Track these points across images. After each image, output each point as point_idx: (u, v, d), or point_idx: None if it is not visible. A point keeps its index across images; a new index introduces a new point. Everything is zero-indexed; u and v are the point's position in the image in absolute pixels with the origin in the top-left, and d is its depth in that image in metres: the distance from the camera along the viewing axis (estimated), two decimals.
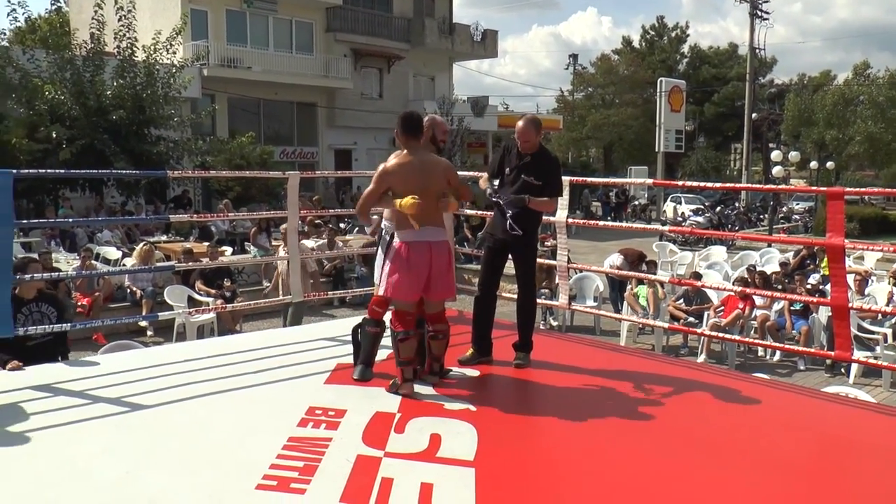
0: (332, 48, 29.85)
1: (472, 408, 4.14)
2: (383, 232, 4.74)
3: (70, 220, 15.46)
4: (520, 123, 4.96)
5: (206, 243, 14.13)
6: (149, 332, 10.94)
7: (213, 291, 10.89)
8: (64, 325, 5.44)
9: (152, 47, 18.75)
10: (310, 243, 14.68)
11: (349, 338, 5.27)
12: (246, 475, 3.22)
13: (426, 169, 4.42)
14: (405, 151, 4.46)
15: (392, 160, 4.46)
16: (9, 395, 4.25)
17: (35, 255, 10.73)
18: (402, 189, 4.30)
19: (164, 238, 15.69)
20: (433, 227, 4.41)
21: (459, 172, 7.80)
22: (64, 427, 3.79)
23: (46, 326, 5.28)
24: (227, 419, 3.94)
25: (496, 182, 5.15)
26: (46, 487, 3.14)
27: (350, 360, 4.94)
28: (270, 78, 27.16)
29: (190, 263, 10.07)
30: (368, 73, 32.04)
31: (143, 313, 10.63)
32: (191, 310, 9.67)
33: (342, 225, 18.59)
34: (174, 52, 19.25)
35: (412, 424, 3.87)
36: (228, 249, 14.86)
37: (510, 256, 5.15)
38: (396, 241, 4.39)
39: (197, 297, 10.69)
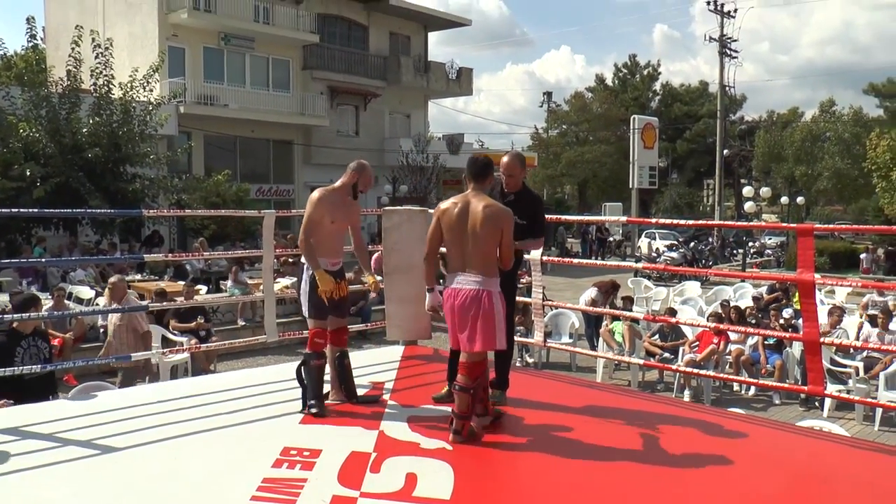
0: (308, 86, 30.03)
1: (448, 447, 4.13)
2: (304, 266, 4.90)
3: (43, 259, 15.29)
4: (505, 159, 4.96)
5: (182, 282, 14.03)
6: (119, 374, 10.79)
7: (191, 325, 10.78)
8: (39, 365, 5.37)
9: (129, 84, 18.72)
10: (285, 281, 14.64)
11: (325, 377, 5.25)
12: None
13: (477, 214, 4.27)
14: (469, 191, 4.44)
15: (446, 202, 4.46)
16: None
17: (36, 293, 10.54)
18: (448, 230, 4.34)
19: (138, 277, 15.56)
20: (467, 275, 4.28)
21: (433, 211, 7.83)
22: (34, 469, 3.73)
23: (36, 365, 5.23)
24: (201, 460, 3.89)
25: None
26: None
27: (326, 399, 4.94)
28: (247, 115, 27.24)
29: (164, 303, 9.97)
30: (345, 110, 32.23)
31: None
32: (164, 350, 9.55)
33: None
34: (151, 90, 19.24)
35: (388, 464, 3.84)
36: (203, 288, 14.76)
37: None
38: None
39: (171, 336, 10.58)
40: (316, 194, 4.86)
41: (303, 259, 4.91)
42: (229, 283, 14.63)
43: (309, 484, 3.57)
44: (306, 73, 30.15)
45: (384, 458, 3.93)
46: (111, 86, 18.65)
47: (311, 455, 3.95)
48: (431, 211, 8.16)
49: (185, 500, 3.40)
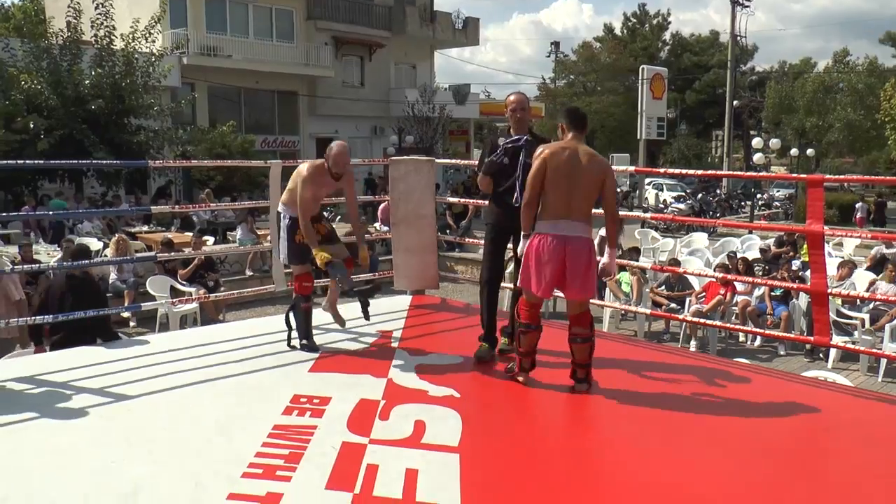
0: (312, 36, 29.67)
1: (456, 394, 4.17)
2: (280, 215, 5.07)
3: (50, 212, 15.31)
4: (513, 96, 4.89)
5: (189, 233, 14.06)
6: (131, 323, 10.89)
7: (196, 261, 10.79)
8: (46, 317, 5.40)
9: (131, 36, 18.53)
10: None
11: (333, 326, 5.31)
12: (231, 463, 3.23)
13: (582, 161, 4.16)
14: (568, 138, 4.26)
15: (552, 145, 4.25)
16: None
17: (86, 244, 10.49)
18: (553, 176, 4.13)
19: (145, 228, 15.59)
20: (572, 223, 4.14)
21: (441, 160, 7.75)
22: (48, 417, 3.78)
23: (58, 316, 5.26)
24: (212, 408, 3.94)
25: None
26: (32, 477, 3.14)
27: (334, 346, 5.01)
28: (251, 66, 26.98)
29: (171, 254, 10.01)
30: (350, 61, 31.88)
31: (126, 304, 10.57)
32: (173, 300, 9.62)
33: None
34: (153, 41, 19.03)
35: (397, 411, 3.88)
36: (210, 239, 14.80)
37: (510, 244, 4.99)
38: (534, 232, 4.20)
39: (179, 287, 10.64)
40: (304, 171, 4.94)
41: (279, 209, 5.14)
42: (238, 233, 14.65)
43: (319, 431, 3.61)
44: (310, 23, 29.76)
45: (393, 405, 3.97)
46: (112, 37, 18.46)
47: (321, 403, 3.99)
48: (439, 161, 8.15)
49: (198, 448, 3.44)
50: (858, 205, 27.95)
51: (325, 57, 29.57)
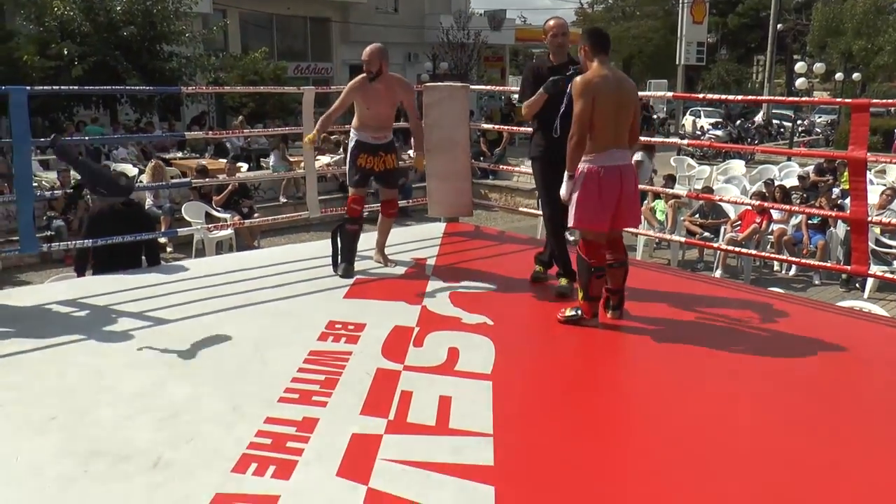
0: None
1: (490, 321, 4.19)
2: (352, 134, 5.21)
3: (86, 138, 15.42)
4: (552, 20, 4.77)
5: (223, 160, 14.11)
6: (168, 249, 11.05)
7: (231, 187, 10.88)
8: (85, 241, 5.48)
9: None
10: (326, 158, 14.66)
11: (367, 253, 5.34)
12: (268, 387, 3.30)
13: (622, 86, 4.07)
14: (597, 64, 4.06)
15: (592, 75, 4.02)
16: (36, 308, 4.35)
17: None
18: (601, 108, 3.95)
19: (179, 155, 15.68)
20: (621, 151, 4.08)
21: (475, 87, 7.64)
22: (89, 340, 3.88)
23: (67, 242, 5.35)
24: (248, 334, 4.00)
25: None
26: (75, 397, 3.24)
27: (369, 273, 5.08)
28: None
29: (206, 180, 10.07)
30: None
31: (162, 230, 10.71)
32: (209, 226, 9.73)
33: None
34: None
35: (430, 338, 3.92)
36: (244, 166, 14.85)
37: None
38: (585, 167, 4.03)
39: (215, 213, 10.74)
40: (352, 82, 5.17)
41: (351, 133, 5.27)
42: (271, 160, 14.68)
43: (354, 357, 3.67)
44: None
45: (427, 332, 4.01)
46: None
47: (356, 329, 4.04)
48: (473, 87, 8.02)
49: (235, 372, 3.51)
50: None
51: None
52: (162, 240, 10.84)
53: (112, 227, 5.26)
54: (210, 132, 16.09)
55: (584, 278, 4.11)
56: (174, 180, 11.74)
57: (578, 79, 4.02)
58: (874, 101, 5.20)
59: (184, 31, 18.94)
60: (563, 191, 4.11)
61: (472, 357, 3.68)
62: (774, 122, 33.16)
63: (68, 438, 2.87)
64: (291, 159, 14.26)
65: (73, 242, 5.40)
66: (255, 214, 11.05)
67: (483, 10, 35.11)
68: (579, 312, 4.16)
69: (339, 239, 5.18)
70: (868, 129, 4.91)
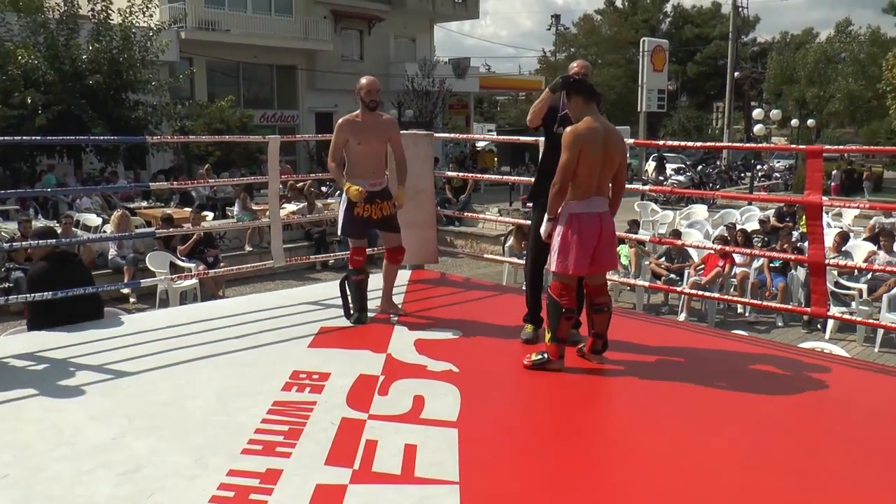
0: (311, 10, 29.42)
1: (455, 369, 4.18)
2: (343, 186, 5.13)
3: (48, 189, 15.28)
4: (580, 61, 4.77)
5: (188, 209, 14.06)
6: (131, 300, 10.93)
7: (195, 236, 10.80)
8: (45, 293, 5.39)
9: (128, 10, 18.41)
10: (291, 206, 14.67)
11: (332, 301, 5.34)
12: (231, 439, 3.26)
13: (610, 138, 4.15)
14: (588, 115, 4.14)
15: (582, 127, 4.08)
16: None
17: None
18: (586, 157, 4.05)
19: (144, 204, 15.59)
20: (601, 198, 4.19)
21: (439, 135, 7.72)
22: (49, 395, 3.80)
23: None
24: (212, 384, 3.95)
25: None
26: (30, 453, 3.16)
27: (333, 322, 5.05)
28: (249, 41, 26.76)
29: (171, 230, 10.01)
30: (349, 35, 31.64)
31: (125, 280, 10.59)
32: (173, 276, 9.65)
33: (323, 188, 18.52)
34: (150, 15, 18.92)
35: (396, 387, 3.91)
36: (210, 215, 14.80)
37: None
38: (567, 212, 4.14)
39: (179, 263, 10.66)
40: (338, 122, 5.14)
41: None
42: (236, 209, 14.65)
43: (318, 407, 3.64)
44: None
45: (392, 380, 3.99)
46: (109, 11, 18.34)
47: (321, 378, 4.02)
48: (437, 135, 8.12)
49: (198, 424, 3.46)
50: (834, 172, 28.28)
51: (323, 31, 29.35)
52: (125, 290, 10.76)
53: (53, 281, 5.13)
54: (174, 181, 16.02)
55: (555, 320, 4.17)
56: (138, 230, 11.65)
57: (568, 130, 4.11)
58: (827, 147, 5.34)
59: (150, 79, 18.98)
60: (542, 230, 4.27)
61: (437, 405, 3.67)
62: (735, 166, 33.83)
63: (23, 497, 2.80)
64: (256, 208, 14.24)
65: (31, 295, 5.28)
66: (221, 264, 10.99)
67: (448, 57, 35.65)
68: (545, 356, 4.20)
69: (347, 289, 5.18)
70: (822, 174, 5.04)
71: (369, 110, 5.08)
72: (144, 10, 18.49)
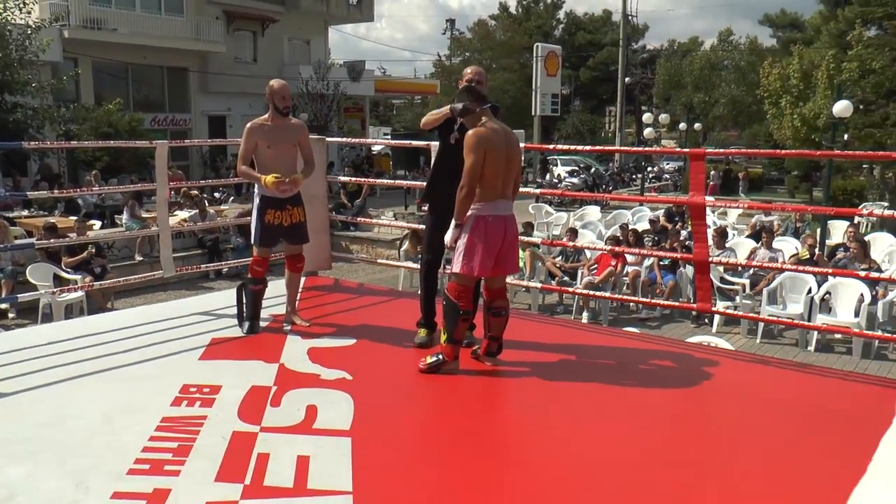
0: (202, 10, 28.72)
1: (349, 377, 4.16)
2: (256, 191, 5.02)
3: None
4: (474, 67, 4.76)
5: (73, 217, 13.49)
6: (10, 315, 10.40)
7: (83, 256, 10.39)
8: None
9: (2, 6, 17.52)
10: (183, 214, 14.28)
11: (224, 312, 5.22)
12: (116, 460, 3.14)
13: (510, 139, 4.21)
14: (486, 118, 4.17)
15: (484, 129, 4.10)
16: None
17: None
18: (491, 160, 4.05)
19: (24, 213, 14.86)
20: (506, 201, 4.23)
21: (332, 139, 7.64)
22: None
23: None
24: (97, 402, 3.79)
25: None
26: None
27: (225, 333, 4.93)
28: (138, 41, 25.88)
29: (53, 240, 9.57)
30: (242, 36, 31.06)
31: (2, 295, 10.07)
32: (57, 289, 9.23)
33: (217, 195, 18.11)
34: (28, 12, 18.06)
35: (288, 397, 3.85)
36: (97, 223, 14.25)
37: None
38: (474, 215, 4.12)
39: (64, 275, 10.21)
40: (247, 126, 5.04)
41: (256, 189, 5.10)
42: (125, 217, 14.15)
43: (209, 421, 3.55)
44: None
45: (284, 391, 3.93)
46: None
47: (211, 391, 3.92)
48: (330, 139, 8.06)
49: (80, 445, 3.32)
50: (713, 173, 30.08)
51: (216, 31, 28.71)
52: (2, 306, 10.22)
53: None
54: (57, 189, 15.36)
55: (452, 321, 4.19)
56: (17, 241, 11.10)
57: (472, 132, 4.11)
58: (709, 150, 5.59)
59: (30, 80, 18.13)
60: (448, 237, 4.23)
61: (330, 414, 3.63)
62: (627, 168, 34.90)
63: None
64: (146, 216, 13.80)
65: None
66: (109, 274, 10.59)
67: (342, 61, 35.46)
68: (441, 357, 4.22)
69: (243, 297, 5.06)
70: (705, 176, 5.25)
71: (282, 115, 5.01)
72: (21, 6, 17.63)
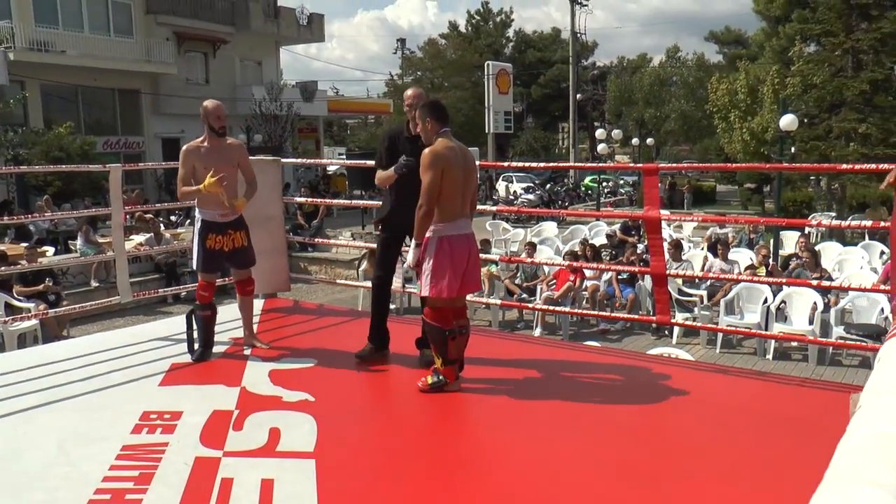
0: (153, 31, 28.50)
1: (311, 398, 4.13)
2: (197, 215, 4.96)
3: None
4: (410, 90, 4.78)
5: (24, 244, 13.22)
6: None
7: (38, 288, 10.19)
8: None
9: None
10: (139, 238, 14.08)
11: (184, 336, 5.15)
12: (76, 491, 3.07)
13: (466, 157, 4.23)
14: (442, 137, 4.17)
15: (440, 147, 4.10)
16: None
17: None
18: (449, 178, 4.06)
19: None
20: (466, 219, 4.22)
21: (287, 160, 7.61)
22: None
23: None
24: (53, 433, 3.71)
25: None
26: None
27: (185, 358, 4.86)
28: (88, 63, 25.55)
29: (3, 268, 9.35)
30: (193, 57, 30.87)
31: None
32: (9, 318, 9.03)
33: (173, 218, 17.90)
34: None
35: (251, 420, 3.81)
36: (50, 249, 13.98)
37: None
38: (437, 237, 4.09)
39: (16, 303, 9.98)
40: (183, 148, 4.91)
41: (196, 214, 5.00)
42: (79, 242, 13.91)
43: (170, 448, 3.50)
44: (150, 17, 28.58)
45: (247, 414, 3.89)
46: None
47: (172, 418, 3.86)
48: (285, 161, 8.03)
49: (37, 477, 3.24)
50: (658, 186, 30.42)
51: (167, 53, 28.50)
52: None
53: None
54: (7, 216, 15.05)
55: (441, 344, 4.18)
56: None
57: (427, 151, 4.10)
58: (661, 165, 5.68)
59: None
60: (410, 258, 4.19)
61: (293, 436, 3.61)
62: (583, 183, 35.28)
63: None
64: (101, 240, 13.58)
65: None
66: (63, 302, 10.38)
67: (295, 81, 35.40)
68: (441, 378, 4.21)
69: (193, 324, 4.98)
70: (659, 191, 5.34)
71: (218, 136, 4.91)
72: None
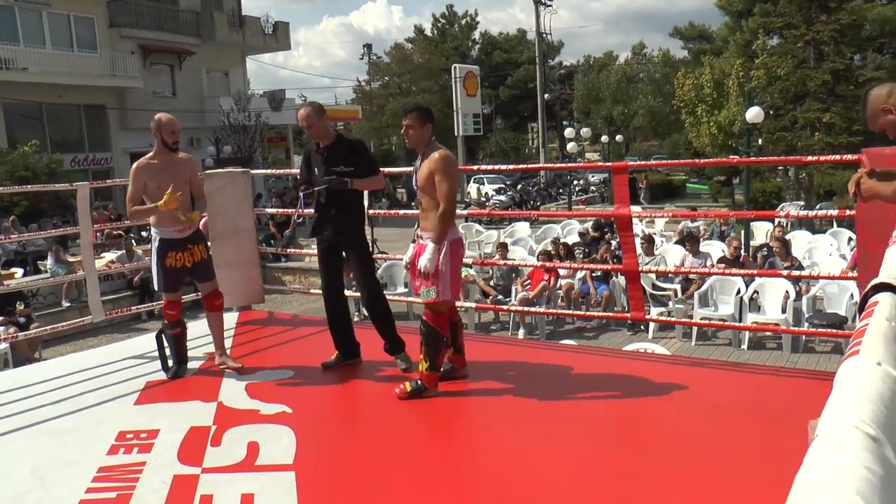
0: (117, 45, 28.22)
1: (289, 410, 4.11)
2: (153, 234, 4.85)
3: None
4: (301, 111, 4.75)
5: None
6: None
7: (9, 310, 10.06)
8: None
9: None
10: (110, 255, 13.94)
11: (155, 354, 5.10)
12: None
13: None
14: (437, 144, 4.25)
15: (447, 151, 4.18)
16: None
17: None
18: (456, 181, 4.16)
19: None
20: (455, 224, 4.29)
21: (257, 171, 7.59)
22: None
23: None
24: (26, 458, 3.66)
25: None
26: None
27: (160, 375, 4.84)
28: (51, 79, 25.23)
29: None
30: (159, 70, 30.62)
31: None
32: None
33: (144, 234, 17.72)
34: None
35: (228, 435, 3.78)
36: (19, 271, 13.80)
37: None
38: (448, 241, 4.11)
39: None
40: (133, 165, 4.79)
41: (152, 233, 4.89)
42: (49, 262, 13.74)
43: (148, 467, 3.46)
44: (114, 31, 28.30)
45: (224, 429, 3.86)
46: None
47: (149, 436, 3.82)
48: (254, 172, 7.98)
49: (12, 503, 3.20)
50: None
51: (132, 66, 28.22)
52: None
53: None
54: None
55: (435, 350, 4.17)
56: None
57: (443, 155, 4.11)
58: (631, 163, 5.73)
59: None
60: (428, 262, 4.07)
61: (272, 449, 3.58)
62: (553, 182, 35.42)
63: None
64: (72, 259, 13.43)
65: None
66: (35, 323, 10.25)
67: (263, 90, 35.21)
68: (420, 383, 4.18)
69: (164, 342, 4.93)
70: (628, 188, 5.37)
71: (170, 151, 4.80)
72: None
